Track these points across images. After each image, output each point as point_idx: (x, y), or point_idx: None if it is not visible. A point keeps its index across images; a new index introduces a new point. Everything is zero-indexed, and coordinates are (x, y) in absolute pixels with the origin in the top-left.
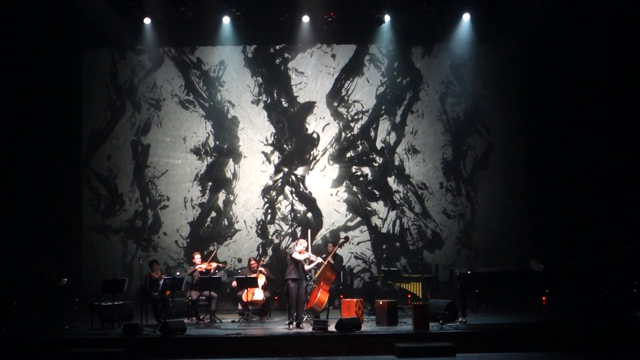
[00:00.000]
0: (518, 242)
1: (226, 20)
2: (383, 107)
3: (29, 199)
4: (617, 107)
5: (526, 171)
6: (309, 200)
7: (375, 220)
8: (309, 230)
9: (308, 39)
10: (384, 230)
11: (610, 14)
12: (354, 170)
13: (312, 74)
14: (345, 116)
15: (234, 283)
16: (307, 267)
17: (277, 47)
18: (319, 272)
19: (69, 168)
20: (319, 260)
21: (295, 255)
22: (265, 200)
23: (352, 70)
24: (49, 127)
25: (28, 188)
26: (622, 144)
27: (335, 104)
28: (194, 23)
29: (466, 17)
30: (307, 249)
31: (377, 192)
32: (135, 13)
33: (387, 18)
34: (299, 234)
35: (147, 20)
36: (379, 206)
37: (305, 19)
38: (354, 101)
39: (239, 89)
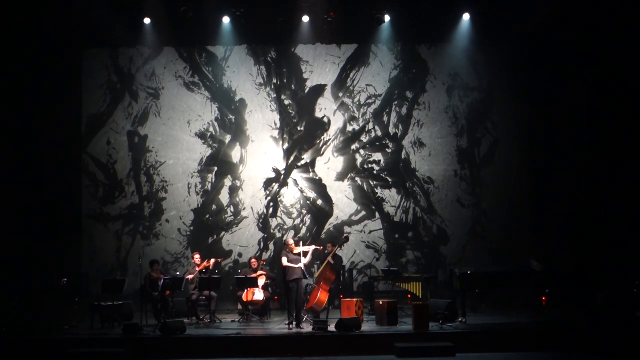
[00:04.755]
0: (519, 242)
1: (226, 20)
2: (396, 92)
3: (28, 188)
4: (619, 104)
5: (530, 167)
6: (319, 187)
7: (387, 208)
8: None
9: (308, 39)
10: (396, 219)
11: (612, 9)
12: (366, 156)
13: (317, 64)
14: (350, 107)
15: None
16: (305, 261)
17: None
18: (319, 272)
19: (69, 154)
20: (312, 247)
21: (285, 262)
22: (267, 192)
23: (357, 60)
24: (48, 112)
25: (27, 176)
26: (625, 142)
27: (341, 94)
28: (194, 23)
29: (466, 16)
30: (297, 244)
31: (389, 179)
32: (135, 13)
33: (387, 18)
34: (307, 223)
35: (147, 20)
36: (391, 194)
37: (305, 19)
38: (367, 85)
39: (246, 70)
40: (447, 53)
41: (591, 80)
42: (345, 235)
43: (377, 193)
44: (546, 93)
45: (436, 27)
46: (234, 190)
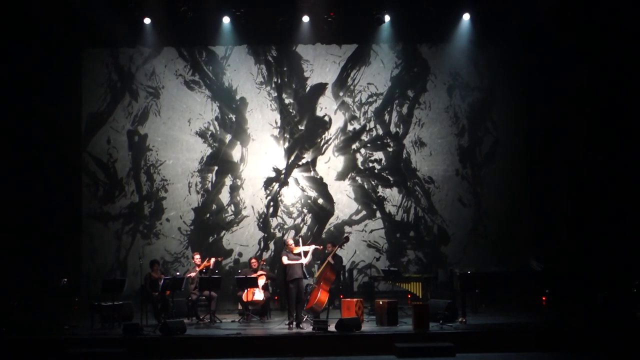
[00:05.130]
0: (519, 242)
1: (226, 20)
2: (397, 91)
3: (28, 187)
4: (619, 104)
5: (530, 167)
6: (320, 186)
7: (388, 208)
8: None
9: (308, 39)
10: (397, 219)
11: (611, 9)
12: (366, 155)
13: (317, 63)
14: (351, 106)
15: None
16: (305, 260)
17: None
18: (319, 272)
19: (69, 153)
20: (312, 247)
21: (285, 261)
22: (268, 192)
23: (358, 59)
24: (48, 111)
25: (27, 175)
26: (625, 141)
27: (342, 93)
28: (194, 23)
29: (466, 16)
30: (297, 244)
31: (390, 178)
32: (135, 13)
33: (387, 18)
34: (308, 222)
35: (147, 20)
36: (392, 193)
37: (305, 19)
38: (368, 83)
39: (246, 69)
40: (447, 53)
41: (591, 80)
42: (345, 235)
43: (377, 192)
44: (546, 93)
45: (436, 27)
46: (234, 190)
